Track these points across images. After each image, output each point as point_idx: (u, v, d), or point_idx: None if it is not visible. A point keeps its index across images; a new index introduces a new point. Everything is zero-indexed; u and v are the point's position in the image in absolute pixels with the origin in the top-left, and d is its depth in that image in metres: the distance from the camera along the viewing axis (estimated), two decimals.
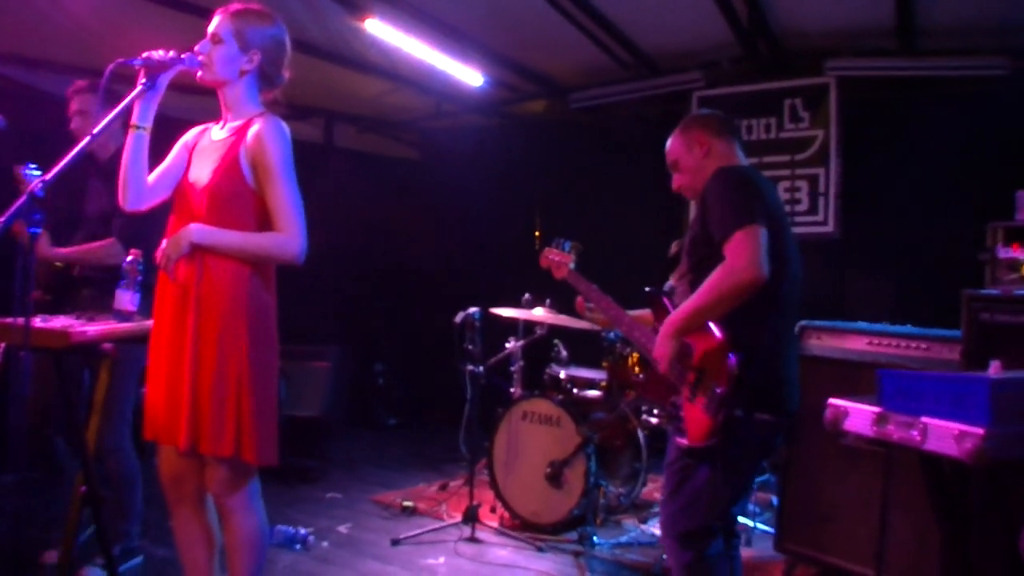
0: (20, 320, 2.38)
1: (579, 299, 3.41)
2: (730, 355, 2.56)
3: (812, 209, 6.33)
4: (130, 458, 3.85)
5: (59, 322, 2.97)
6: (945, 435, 2.07)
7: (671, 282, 3.32)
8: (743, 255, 2.51)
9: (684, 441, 2.70)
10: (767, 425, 2.64)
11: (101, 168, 3.86)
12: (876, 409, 2.31)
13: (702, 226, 2.73)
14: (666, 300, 2.91)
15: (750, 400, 2.58)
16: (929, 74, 5.78)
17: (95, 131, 2.47)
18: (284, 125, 2.75)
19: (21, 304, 2.36)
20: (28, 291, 2.37)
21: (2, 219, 2.30)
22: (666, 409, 2.85)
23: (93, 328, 2.96)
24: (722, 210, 2.64)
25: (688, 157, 2.97)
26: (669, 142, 3.06)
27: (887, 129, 6.17)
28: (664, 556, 4.31)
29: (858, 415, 2.37)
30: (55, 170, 2.37)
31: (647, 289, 3.03)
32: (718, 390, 2.56)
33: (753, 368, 2.57)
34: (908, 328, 3.84)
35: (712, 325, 2.63)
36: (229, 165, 2.69)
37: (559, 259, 3.50)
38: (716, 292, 2.56)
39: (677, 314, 2.69)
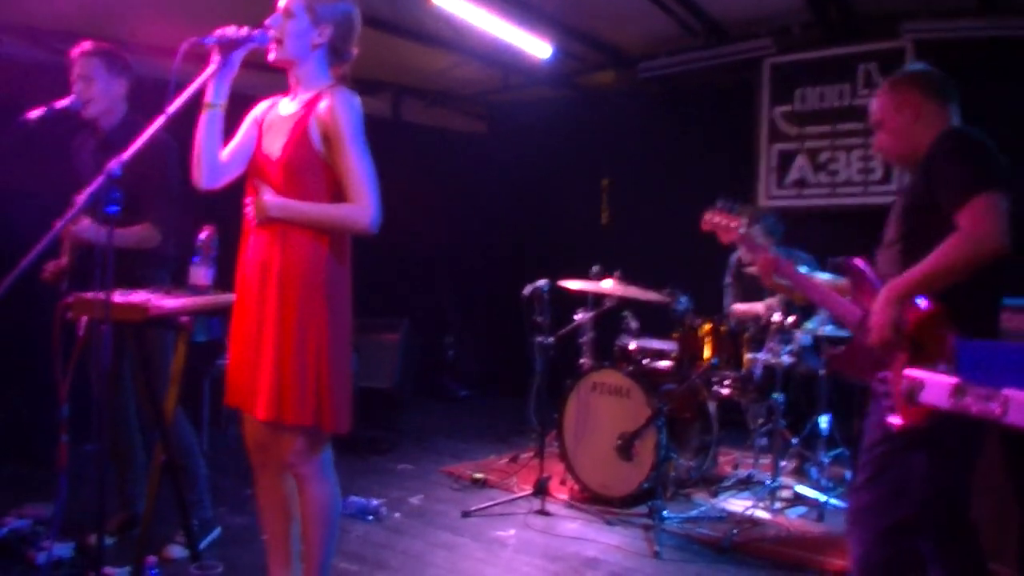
0: (100, 294, 2.45)
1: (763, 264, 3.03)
2: (952, 326, 2.36)
3: (886, 179, 6.17)
4: (186, 427, 3.93)
5: (138, 296, 3.05)
6: None
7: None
8: (986, 223, 2.33)
9: (897, 421, 2.42)
10: None
11: (104, 139, 3.74)
12: (954, 380, 2.23)
13: (926, 191, 2.52)
14: (865, 267, 2.71)
15: None
16: (1013, 34, 5.55)
17: (169, 110, 2.50)
18: (355, 97, 2.76)
19: (101, 279, 2.43)
20: (109, 267, 2.43)
21: (81, 199, 2.37)
22: (871, 385, 2.64)
23: (171, 302, 3.03)
24: (958, 174, 2.43)
25: (895, 118, 2.73)
26: (876, 98, 2.81)
27: (968, 94, 5.91)
28: (735, 531, 4.29)
29: (934, 386, 2.27)
30: (131, 150, 2.42)
31: (839, 258, 2.83)
32: (941, 366, 2.27)
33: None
34: None
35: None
36: (300, 137, 2.72)
37: (726, 221, 3.22)
38: (951, 260, 2.36)
39: (904, 279, 2.46)
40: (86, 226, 3.48)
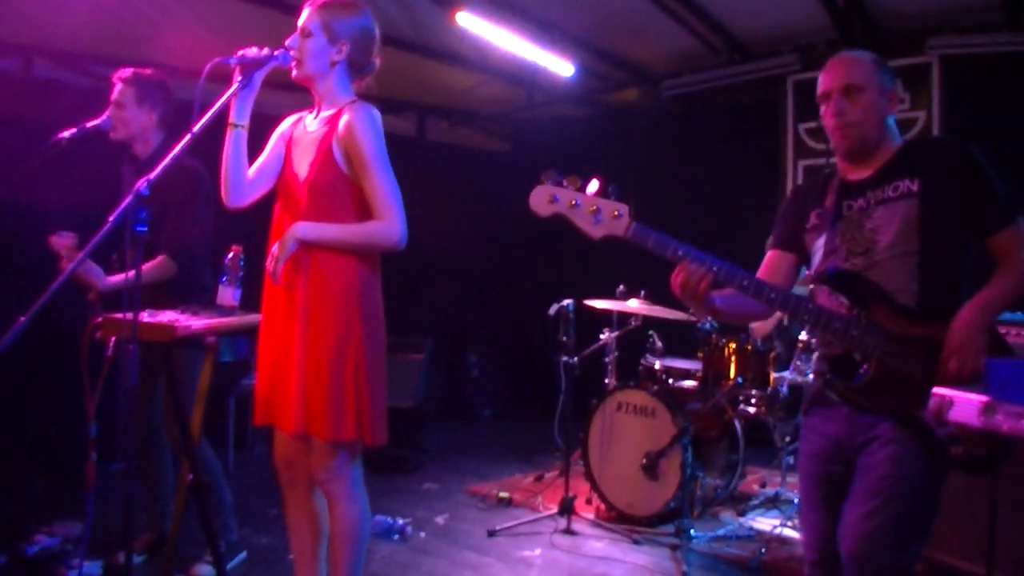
0: (128, 315, 2.47)
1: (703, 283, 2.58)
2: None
3: None
4: (207, 449, 3.91)
5: (165, 316, 3.06)
6: None
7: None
8: None
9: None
10: None
11: (141, 167, 3.75)
12: (983, 398, 2.20)
13: (952, 205, 2.38)
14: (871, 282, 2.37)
15: None
16: None
17: (195, 128, 2.53)
18: (374, 112, 2.78)
19: (129, 299, 2.45)
20: (137, 286, 2.45)
21: (110, 220, 2.39)
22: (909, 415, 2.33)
23: (198, 322, 3.05)
24: (998, 194, 2.42)
25: (877, 98, 2.42)
26: (848, 63, 2.45)
27: (994, 110, 5.89)
28: (763, 550, 4.24)
29: (964, 405, 2.25)
30: (159, 170, 2.44)
31: (836, 271, 2.42)
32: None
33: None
34: (1020, 315, 3.71)
35: None
36: (324, 157, 2.75)
37: (585, 203, 2.72)
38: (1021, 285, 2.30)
39: (991, 304, 2.30)
40: (91, 269, 3.54)
